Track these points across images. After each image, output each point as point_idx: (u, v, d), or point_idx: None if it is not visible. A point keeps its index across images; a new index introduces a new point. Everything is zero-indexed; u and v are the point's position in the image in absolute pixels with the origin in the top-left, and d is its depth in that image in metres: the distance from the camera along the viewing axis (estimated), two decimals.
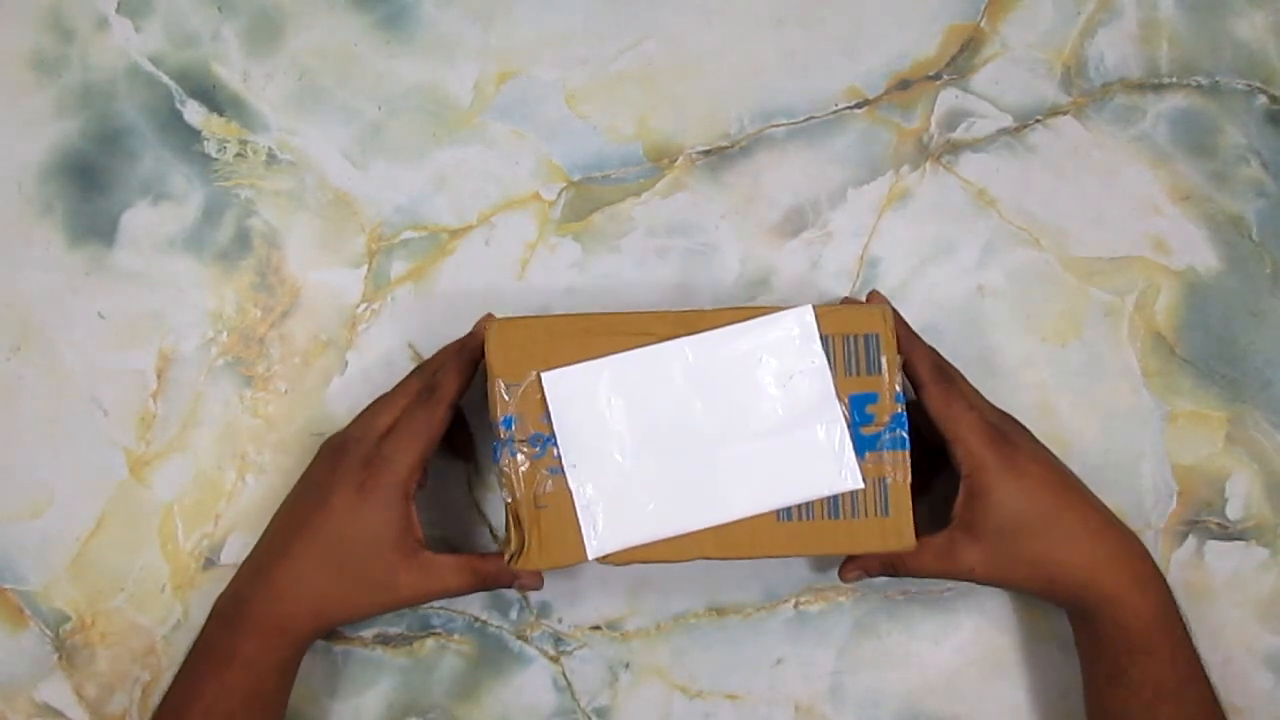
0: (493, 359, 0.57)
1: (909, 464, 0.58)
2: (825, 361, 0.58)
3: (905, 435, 0.57)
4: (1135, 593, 0.59)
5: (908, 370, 0.60)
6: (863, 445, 0.57)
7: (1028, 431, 0.61)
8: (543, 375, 0.57)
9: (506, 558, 0.57)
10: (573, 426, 0.57)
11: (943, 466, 0.61)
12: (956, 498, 0.59)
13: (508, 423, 0.57)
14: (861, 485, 0.57)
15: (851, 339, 0.58)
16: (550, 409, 0.57)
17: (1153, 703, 0.57)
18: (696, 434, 0.57)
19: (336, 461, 0.59)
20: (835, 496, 0.57)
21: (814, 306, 0.58)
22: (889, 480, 0.57)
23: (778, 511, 0.57)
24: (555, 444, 0.57)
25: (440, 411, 0.59)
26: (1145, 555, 0.60)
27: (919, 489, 0.59)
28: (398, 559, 0.58)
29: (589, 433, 0.57)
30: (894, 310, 0.59)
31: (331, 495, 0.58)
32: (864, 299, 0.64)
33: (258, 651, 0.57)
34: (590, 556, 0.56)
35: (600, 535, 0.56)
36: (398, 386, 0.61)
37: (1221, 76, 0.71)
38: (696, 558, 0.57)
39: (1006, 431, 0.60)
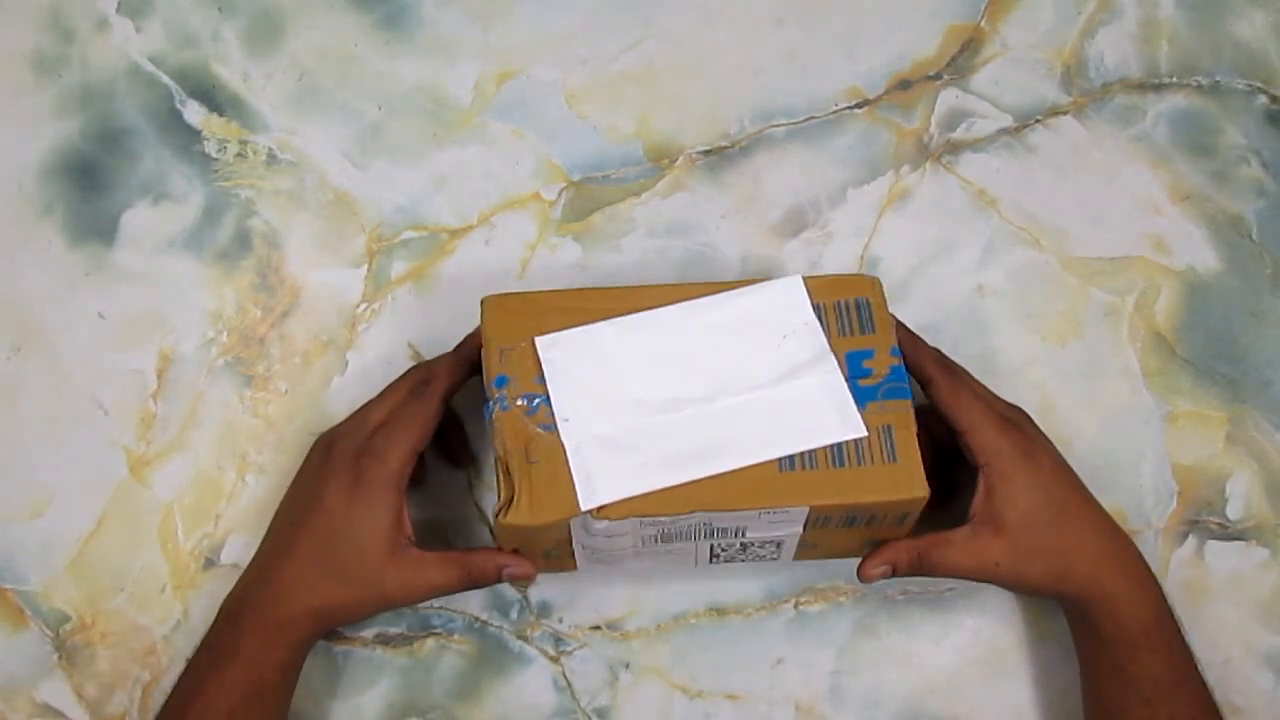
0: (488, 328, 0.57)
1: (913, 412, 0.56)
2: (818, 323, 0.57)
3: (905, 386, 0.57)
4: (1135, 591, 0.59)
5: (913, 370, 0.60)
6: (862, 397, 0.56)
7: (1035, 423, 0.62)
8: (536, 339, 0.57)
9: (495, 511, 0.55)
10: (566, 384, 0.56)
11: (959, 474, 0.61)
12: (974, 495, 0.59)
13: (500, 381, 0.56)
14: (864, 432, 0.56)
15: (843, 304, 0.58)
16: (544, 369, 0.56)
17: (1151, 700, 0.57)
18: (691, 389, 0.56)
19: (329, 457, 0.59)
20: (840, 445, 0.56)
21: (803, 277, 0.58)
22: (893, 427, 0.56)
23: (779, 461, 0.55)
24: (548, 402, 0.56)
25: (433, 405, 0.59)
26: (1140, 555, 0.60)
27: (937, 499, 0.58)
28: (385, 557, 0.57)
29: (582, 390, 0.56)
30: (892, 315, 0.59)
31: (325, 492, 0.58)
32: None
33: (258, 650, 0.57)
34: (583, 508, 0.54)
35: (594, 487, 0.54)
36: (391, 384, 0.61)
37: (1221, 76, 0.71)
38: (695, 509, 0.55)
39: (1018, 422, 0.60)
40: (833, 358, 0.57)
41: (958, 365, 0.62)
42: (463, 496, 0.67)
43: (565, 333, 0.57)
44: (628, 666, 0.66)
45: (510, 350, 0.57)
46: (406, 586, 0.58)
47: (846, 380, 0.56)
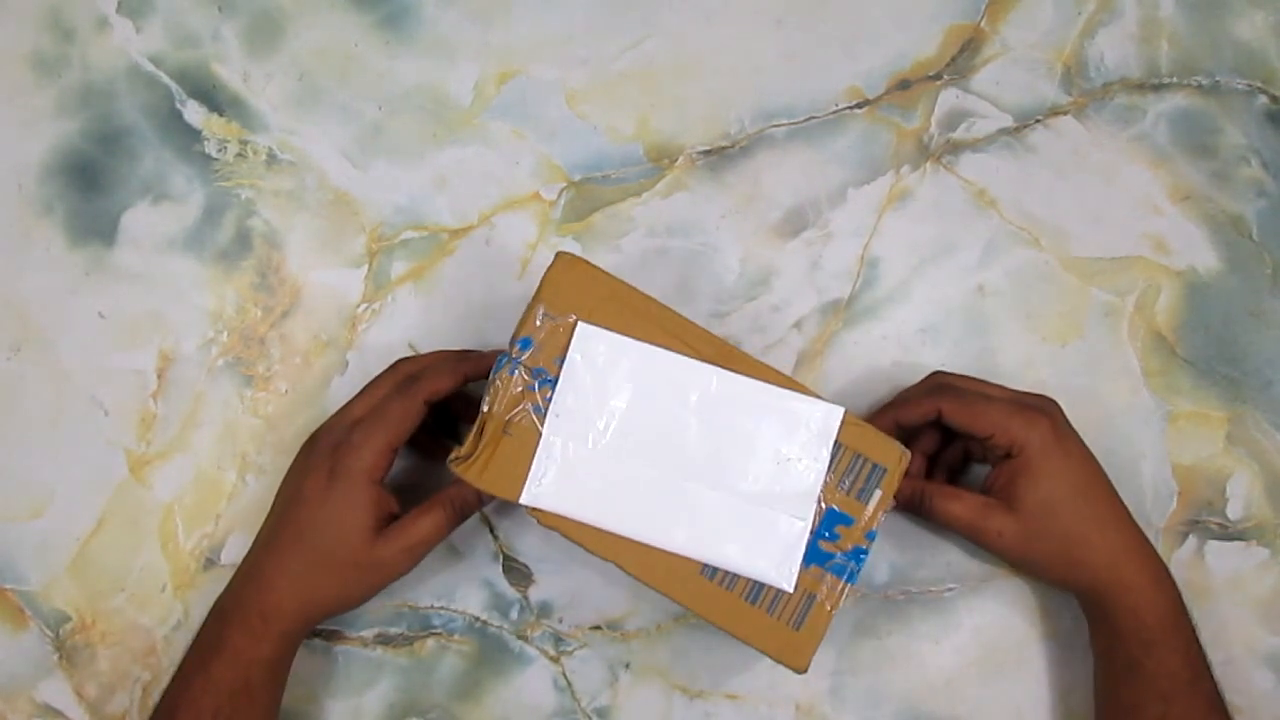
0: (547, 284, 0.58)
1: (844, 597, 0.57)
2: (826, 465, 0.57)
3: (857, 570, 0.57)
4: (1154, 587, 0.59)
5: (923, 419, 0.61)
6: (813, 557, 0.57)
7: (1063, 411, 0.62)
8: (580, 323, 0.57)
9: (451, 457, 0.56)
10: (577, 382, 0.57)
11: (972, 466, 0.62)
12: (994, 472, 0.59)
13: (525, 344, 0.57)
14: (790, 590, 0.57)
15: (860, 459, 0.57)
16: (568, 355, 0.57)
17: (1168, 695, 0.57)
18: (677, 456, 0.57)
19: (311, 450, 0.60)
20: (761, 585, 0.57)
21: (846, 412, 0.57)
22: (817, 599, 0.57)
23: (704, 566, 0.57)
24: (553, 387, 0.57)
25: (414, 404, 0.59)
26: (1156, 552, 0.60)
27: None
28: (372, 538, 0.58)
29: (587, 396, 0.57)
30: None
31: (305, 484, 0.59)
32: (927, 376, 0.64)
33: (244, 645, 0.58)
34: (521, 500, 0.56)
35: (542, 488, 0.56)
36: (377, 377, 0.61)
37: (1221, 76, 0.71)
38: (611, 562, 0.57)
39: (1046, 409, 0.60)
40: (813, 508, 0.57)
41: (955, 379, 0.62)
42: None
43: (606, 333, 0.57)
44: (628, 666, 0.66)
45: (551, 319, 0.57)
46: (402, 552, 0.58)
47: (811, 533, 0.57)
